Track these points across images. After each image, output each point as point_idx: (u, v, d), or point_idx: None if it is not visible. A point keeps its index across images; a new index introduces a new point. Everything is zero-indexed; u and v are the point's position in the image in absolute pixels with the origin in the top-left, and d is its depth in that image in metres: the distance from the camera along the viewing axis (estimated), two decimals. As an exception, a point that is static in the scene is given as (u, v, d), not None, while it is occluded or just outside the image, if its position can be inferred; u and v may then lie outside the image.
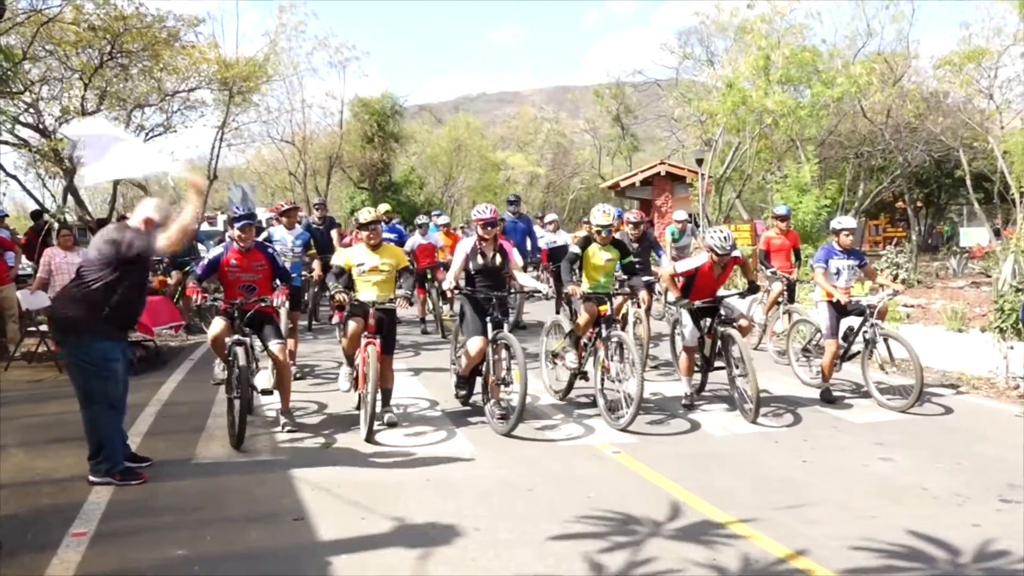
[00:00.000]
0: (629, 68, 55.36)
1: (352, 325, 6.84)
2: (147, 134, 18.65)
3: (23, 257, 12.23)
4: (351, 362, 7.05)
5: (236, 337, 6.33)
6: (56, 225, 13.40)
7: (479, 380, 7.11)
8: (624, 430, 6.38)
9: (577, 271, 7.51)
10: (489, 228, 7.09)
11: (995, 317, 9.40)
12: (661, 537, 4.42)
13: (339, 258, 7.23)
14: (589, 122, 50.09)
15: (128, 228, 5.45)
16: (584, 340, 7.41)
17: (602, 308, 7.19)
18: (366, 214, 7.13)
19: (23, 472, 5.56)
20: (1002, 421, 7.00)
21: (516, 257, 7.52)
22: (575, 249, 7.58)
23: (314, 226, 12.80)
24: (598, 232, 7.45)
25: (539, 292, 7.31)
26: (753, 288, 7.82)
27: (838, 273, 7.80)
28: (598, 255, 7.51)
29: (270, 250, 7.19)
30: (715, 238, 7.40)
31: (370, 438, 6.28)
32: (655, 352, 9.84)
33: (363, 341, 6.64)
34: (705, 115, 23.20)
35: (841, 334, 7.79)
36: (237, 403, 6.08)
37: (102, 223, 17.14)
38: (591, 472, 5.62)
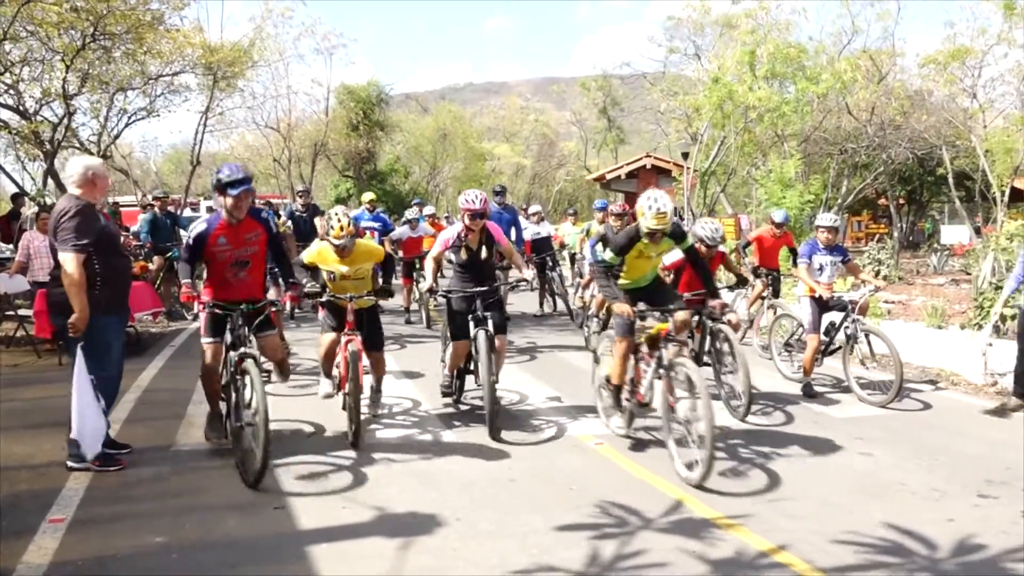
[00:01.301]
0: (617, 61, 55.38)
1: (327, 337, 6.34)
2: (130, 118, 18.46)
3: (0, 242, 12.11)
4: (328, 374, 6.47)
5: (243, 350, 5.28)
6: (34, 210, 13.23)
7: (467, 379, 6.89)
8: (700, 486, 5.01)
9: (614, 278, 6.11)
10: (477, 219, 6.51)
11: (975, 314, 9.50)
12: (644, 530, 4.43)
13: (309, 253, 6.45)
14: (576, 114, 50.15)
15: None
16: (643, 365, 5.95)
17: (661, 327, 5.62)
18: (336, 228, 6.02)
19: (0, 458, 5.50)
20: (980, 417, 7.06)
21: (504, 239, 6.94)
22: (605, 255, 6.00)
23: (297, 214, 12.76)
24: (649, 235, 5.75)
25: (525, 281, 6.98)
26: (742, 281, 7.78)
27: (821, 269, 7.83)
28: (647, 252, 6.02)
29: (264, 214, 5.85)
30: (706, 229, 7.31)
31: (356, 443, 5.82)
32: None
33: (343, 339, 6.06)
34: (691, 109, 23.23)
35: (823, 329, 7.84)
36: (252, 433, 5.07)
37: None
38: (573, 464, 5.62)
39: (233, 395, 5.33)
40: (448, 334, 6.87)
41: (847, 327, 7.63)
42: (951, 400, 7.71)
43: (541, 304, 13.46)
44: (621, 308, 5.60)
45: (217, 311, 5.47)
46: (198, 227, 5.58)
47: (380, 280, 6.70)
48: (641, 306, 5.75)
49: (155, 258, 12.60)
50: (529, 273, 6.77)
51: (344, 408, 6.09)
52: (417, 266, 12.06)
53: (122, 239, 6.17)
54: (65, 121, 16.01)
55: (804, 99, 19.90)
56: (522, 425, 6.60)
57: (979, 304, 9.46)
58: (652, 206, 5.58)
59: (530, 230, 13.08)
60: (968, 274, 16.24)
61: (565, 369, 9.00)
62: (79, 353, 5.03)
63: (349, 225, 6.10)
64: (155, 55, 17.03)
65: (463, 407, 7.05)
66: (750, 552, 4.13)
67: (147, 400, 7.37)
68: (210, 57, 18.60)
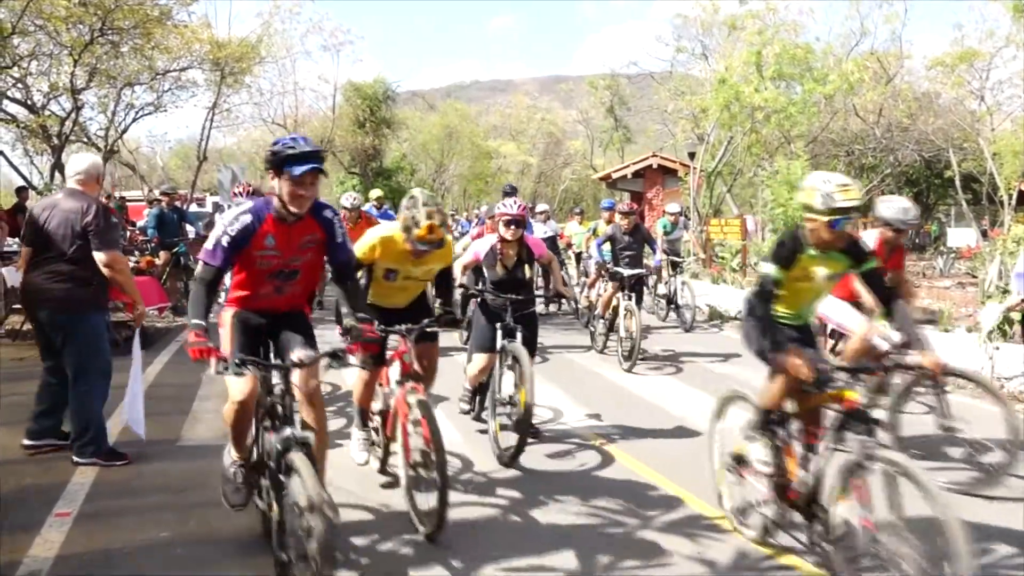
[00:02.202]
0: (624, 60, 55.40)
1: (363, 374, 4.97)
2: (137, 113, 18.51)
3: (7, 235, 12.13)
4: (365, 421, 5.14)
5: (290, 432, 3.45)
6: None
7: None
8: None
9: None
10: (515, 228, 5.84)
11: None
12: (648, 529, 4.43)
13: (367, 244, 4.77)
14: (582, 113, 50.12)
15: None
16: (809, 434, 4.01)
17: (847, 394, 3.65)
18: (423, 227, 4.38)
19: (6, 451, 5.51)
20: (986, 421, 7.03)
21: (545, 250, 6.34)
22: (770, 270, 3.91)
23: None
24: (829, 224, 3.73)
25: (562, 297, 6.30)
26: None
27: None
28: (814, 270, 3.98)
29: (327, 213, 3.87)
30: (891, 209, 5.51)
31: (437, 535, 4.13)
32: (644, 345, 9.84)
33: (398, 389, 4.46)
34: (697, 110, 23.23)
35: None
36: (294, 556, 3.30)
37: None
38: (577, 462, 5.62)
39: (271, 499, 3.62)
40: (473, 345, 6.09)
41: (853, 329, 7.58)
42: (957, 403, 7.66)
43: (546, 303, 13.46)
44: (796, 367, 3.61)
45: (247, 368, 3.49)
46: (241, 218, 3.68)
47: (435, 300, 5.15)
48: (826, 359, 4.00)
49: (161, 253, 12.62)
50: (571, 290, 5.99)
51: (382, 471, 5.03)
52: None
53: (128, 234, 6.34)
54: (73, 115, 16.05)
55: (811, 100, 19.88)
56: (527, 424, 6.58)
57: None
58: (829, 180, 3.79)
59: (537, 229, 13.08)
60: (974, 277, 16.19)
61: (572, 369, 9.00)
62: (136, 342, 5.58)
63: (442, 226, 4.45)
64: (163, 50, 17.09)
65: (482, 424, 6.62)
66: (755, 553, 4.13)
67: (152, 395, 7.36)
68: (218, 53, 18.60)
